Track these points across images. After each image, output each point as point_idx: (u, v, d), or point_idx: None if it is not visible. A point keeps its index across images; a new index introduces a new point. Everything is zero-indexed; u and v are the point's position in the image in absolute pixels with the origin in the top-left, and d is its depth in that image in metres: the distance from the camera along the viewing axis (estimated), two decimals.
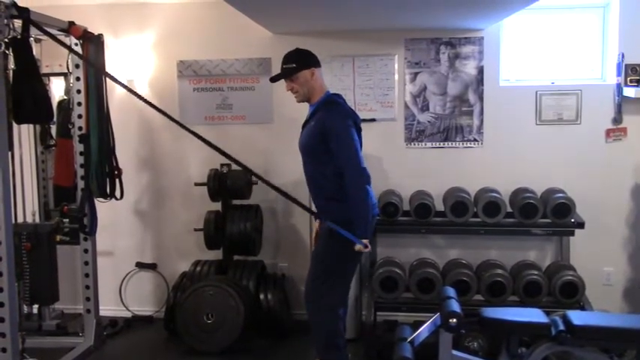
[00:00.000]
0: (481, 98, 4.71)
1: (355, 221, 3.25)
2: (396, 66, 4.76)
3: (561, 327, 3.05)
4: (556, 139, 4.67)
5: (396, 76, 4.77)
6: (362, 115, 4.66)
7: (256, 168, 4.70)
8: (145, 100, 3.49)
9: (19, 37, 3.43)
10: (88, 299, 4.30)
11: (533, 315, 3.24)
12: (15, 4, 3.37)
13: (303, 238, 4.88)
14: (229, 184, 4.61)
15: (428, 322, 3.20)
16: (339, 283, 3.44)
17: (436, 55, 4.72)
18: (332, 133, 3.25)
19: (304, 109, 3.63)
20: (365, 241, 3.26)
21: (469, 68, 4.70)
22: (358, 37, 4.73)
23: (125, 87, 3.55)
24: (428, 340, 3.17)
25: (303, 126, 3.49)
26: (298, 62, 3.37)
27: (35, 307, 4.60)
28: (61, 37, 3.86)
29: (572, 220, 4.33)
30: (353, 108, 4.69)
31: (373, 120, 4.73)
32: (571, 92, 4.64)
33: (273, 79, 3.53)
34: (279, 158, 4.84)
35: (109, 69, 4.22)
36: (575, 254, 4.56)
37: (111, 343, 4.53)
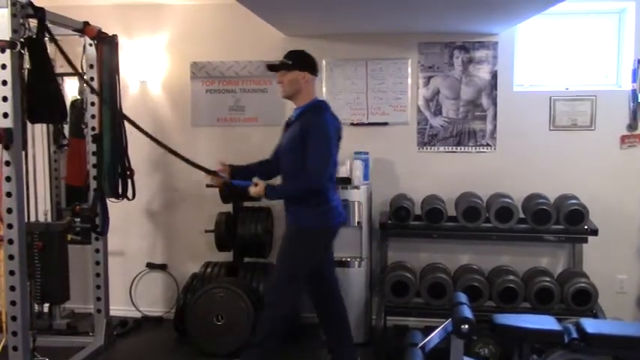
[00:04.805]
0: (494, 103, 4.68)
1: (276, 187, 3.50)
2: (410, 70, 4.74)
3: (574, 335, 3.03)
4: (570, 145, 4.64)
5: (410, 80, 4.75)
6: (374, 118, 4.70)
7: None
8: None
9: (34, 36, 3.45)
10: (98, 299, 4.31)
11: (545, 322, 3.21)
12: (31, 4, 3.38)
13: None
14: None
15: (439, 328, 3.18)
16: (295, 284, 3.50)
17: (450, 59, 4.70)
18: (310, 133, 3.33)
19: None
20: (255, 189, 3.44)
21: (483, 73, 4.68)
22: (372, 40, 4.72)
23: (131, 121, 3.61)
24: (439, 346, 3.15)
25: (286, 127, 3.56)
26: (294, 61, 3.48)
27: (46, 306, 4.61)
28: (76, 37, 3.88)
29: (586, 227, 4.29)
30: (365, 111, 4.72)
31: (386, 124, 4.71)
32: (585, 98, 4.61)
33: (269, 67, 3.63)
34: None
35: (122, 70, 4.23)
36: (588, 261, 4.52)
37: (121, 343, 4.53)
